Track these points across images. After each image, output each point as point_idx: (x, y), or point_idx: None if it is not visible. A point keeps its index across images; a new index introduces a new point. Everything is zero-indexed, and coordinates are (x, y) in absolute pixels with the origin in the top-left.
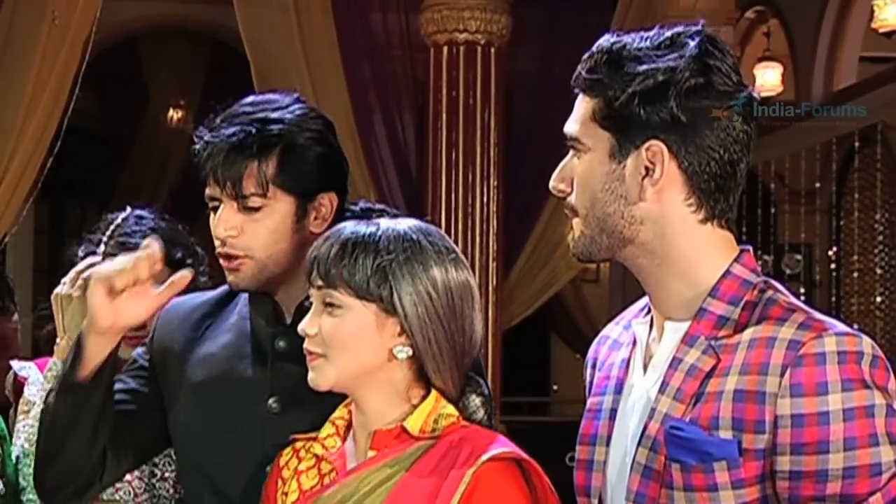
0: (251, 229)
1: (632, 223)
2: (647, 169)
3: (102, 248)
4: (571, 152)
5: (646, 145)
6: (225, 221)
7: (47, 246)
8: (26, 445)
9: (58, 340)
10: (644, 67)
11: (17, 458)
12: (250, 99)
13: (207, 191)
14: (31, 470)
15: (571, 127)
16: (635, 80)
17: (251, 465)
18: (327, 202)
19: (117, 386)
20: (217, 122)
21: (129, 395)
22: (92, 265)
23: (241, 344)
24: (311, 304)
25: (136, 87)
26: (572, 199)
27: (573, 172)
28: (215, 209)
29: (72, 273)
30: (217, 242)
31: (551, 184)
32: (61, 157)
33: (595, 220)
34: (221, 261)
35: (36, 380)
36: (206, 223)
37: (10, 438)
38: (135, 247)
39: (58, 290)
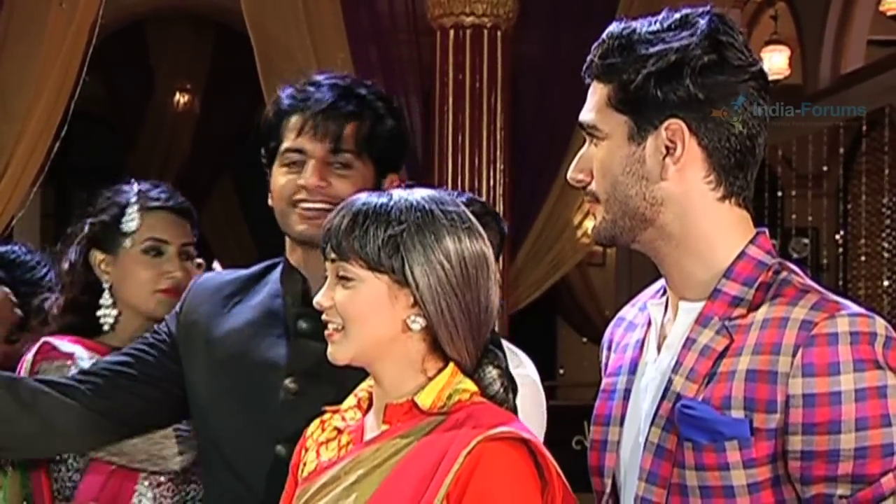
0: (339, 183)
1: (653, 204)
2: (667, 148)
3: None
4: (588, 141)
5: (665, 124)
6: (318, 172)
7: (54, 229)
8: None
9: None
10: (657, 48)
11: None
12: (333, 75)
13: (293, 143)
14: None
15: (586, 116)
16: (649, 62)
17: (265, 443)
18: (395, 184)
19: (126, 349)
20: (304, 86)
21: (132, 359)
22: None
23: (266, 322)
24: None
25: (142, 71)
26: (593, 186)
27: (591, 161)
28: (291, 164)
29: None
30: (302, 194)
31: (570, 175)
32: (68, 142)
33: (617, 203)
34: (303, 211)
35: None
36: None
37: None
38: (179, 205)
39: None
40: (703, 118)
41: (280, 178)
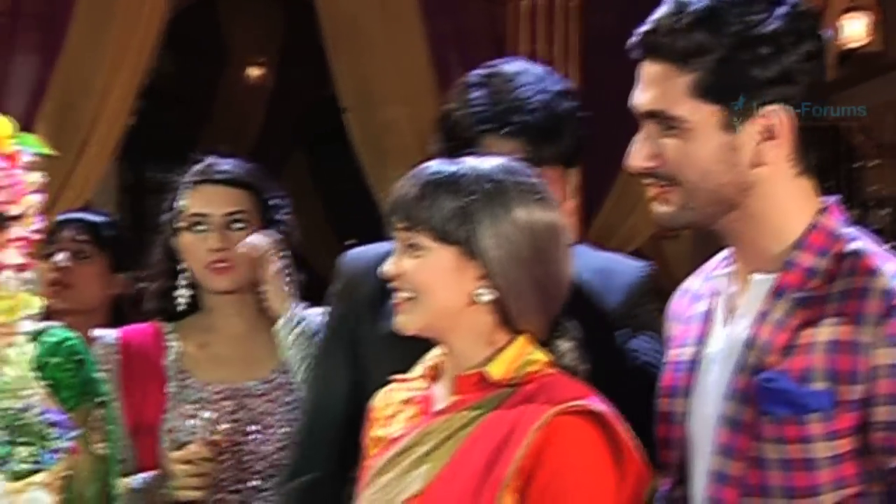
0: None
1: (743, 189)
2: (764, 132)
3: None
4: (659, 129)
5: (762, 110)
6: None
7: (131, 204)
8: None
9: None
10: (747, 31)
11: None
12: (518, 69)
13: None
14: None
15: (660, 104)
16: (741, 46)
17: None
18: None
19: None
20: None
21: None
22: None
23: None
24: None
25: (214, 46)
26: (666, 170)
27: (662, 149)
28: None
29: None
30: None
31: (635, 163)
32: (141, 117)
33: (706, 192)
34: None
35: None
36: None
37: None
38: (222, 175)
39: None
40: (795, 99)
41: None
